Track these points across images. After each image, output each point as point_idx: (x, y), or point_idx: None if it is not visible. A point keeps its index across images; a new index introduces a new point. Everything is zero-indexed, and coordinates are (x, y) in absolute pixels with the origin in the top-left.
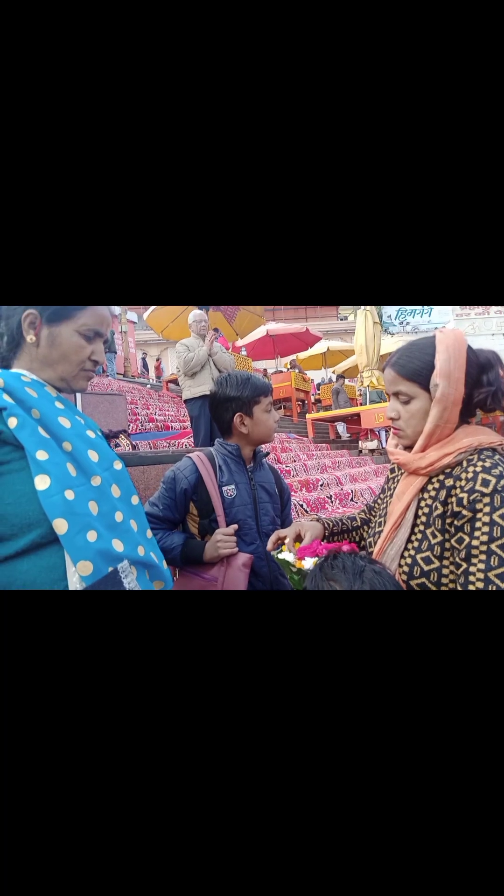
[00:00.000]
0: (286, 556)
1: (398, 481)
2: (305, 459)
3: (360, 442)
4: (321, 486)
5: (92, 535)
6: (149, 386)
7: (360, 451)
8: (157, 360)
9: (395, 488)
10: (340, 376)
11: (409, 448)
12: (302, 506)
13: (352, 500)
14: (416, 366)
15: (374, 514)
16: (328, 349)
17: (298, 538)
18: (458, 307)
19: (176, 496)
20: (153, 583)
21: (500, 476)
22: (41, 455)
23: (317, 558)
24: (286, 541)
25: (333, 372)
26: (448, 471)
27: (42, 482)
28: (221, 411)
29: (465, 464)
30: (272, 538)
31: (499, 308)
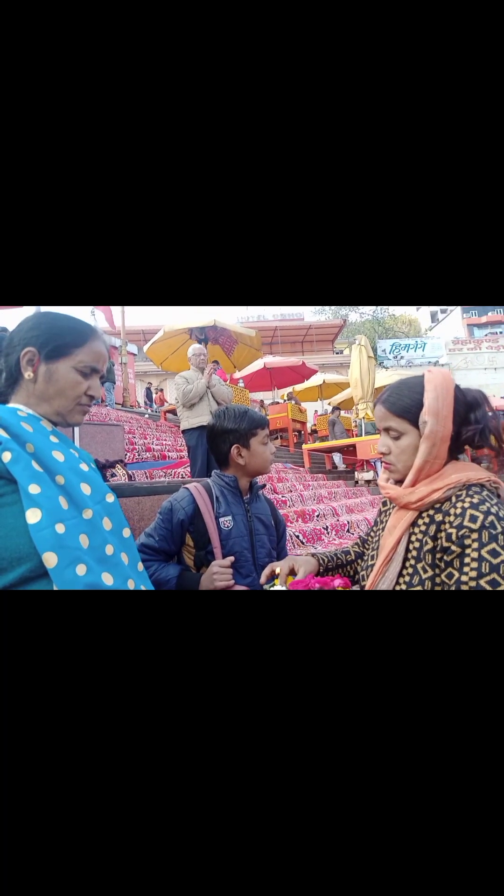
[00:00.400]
0: (278, 589)
1: (390, 514)
2: (301, 490)
3: (356, 472)
4: (317, 516)
5: (81, 569)
6: (147, 416)
7: (357, 482)
8: (160, 390)
9: (386, 521)
10: (336, 408)
11: (399, 482)
12: (298, 537)
13: (348, 531)
14: (405, 403)
15: (367, 546)
16: (324, 382)
17: (292, 572)
18: (450, 343)
19: (173, 527)
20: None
21: (488, 512)
22: (33, 489)
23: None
24: (278, 573)
25: (329, 403)
26: (438, 506)
27: (33, 515)
28: (219, 443)
29: (453, 499)
30: (266, 571)
31: (490, 343)
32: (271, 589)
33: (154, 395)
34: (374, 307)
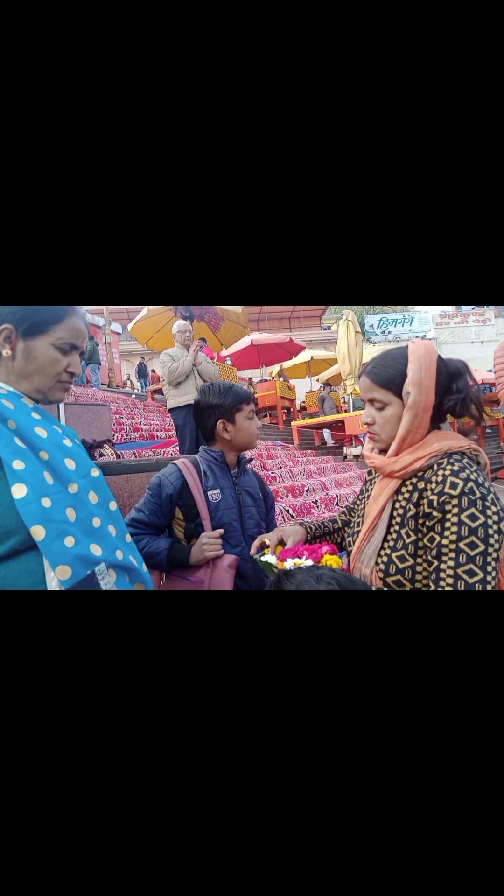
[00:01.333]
0: (268, 558)
1: (374, 483)
2: (291, 466)
3: (344, 448)
4: (307, 491)
5: (69, 541)
6: (134, 396)
7: (345, 457)
8: (153, 370)
9: (371, 490)
10: (326, 384)
11: (383, 452)
12: (288, 511)
13: (337, 504)
14: (389, 374)
15: (353, 515)
16: (312, 358)
17: (281, 542)
18: (437, 317)
19: (161, 501)
20: (133, 585)
21: (468, 479)
22: (17, 465)
23: (297, 559)
24: (268, 544)
25: (318, 380)
26: (420, 474)
27: (19, 491)
28: (205, 418)
29: (435, 467)
30: (256, 543)
31: (476, 317)
32: (262, 559)
33: (149, 373)
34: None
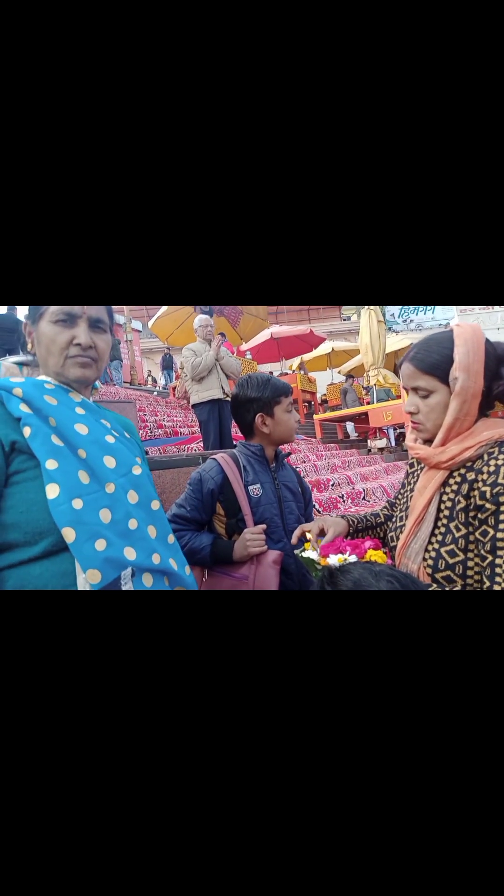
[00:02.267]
0: (310, 554)
1: (418, 476)
2: (315, 460)
3: (368, 441)
4: (332, 485)
5: (101, 544)
6: (156, 393)
7: (370, 450)
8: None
9: (415, 483)
10: (350, 375)
11: (428, 442)
12: (314, 506)
13: (364, 498)
14: (434, 359)
15: (395, 509)
16: (333, 350)
17: (322, 533)
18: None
19: (203, 497)
20: (173, 589)
21: None
22: (51, 464)
23: (340, 555)
24: (309, 536)
25: (339, 372)
26: (469, 464)
27: (52, 491)
28: (243, 412)
29: (486, 457)
30: (296, 532)
31: None
32: (303, 555)
33: (174, 365)
34: None
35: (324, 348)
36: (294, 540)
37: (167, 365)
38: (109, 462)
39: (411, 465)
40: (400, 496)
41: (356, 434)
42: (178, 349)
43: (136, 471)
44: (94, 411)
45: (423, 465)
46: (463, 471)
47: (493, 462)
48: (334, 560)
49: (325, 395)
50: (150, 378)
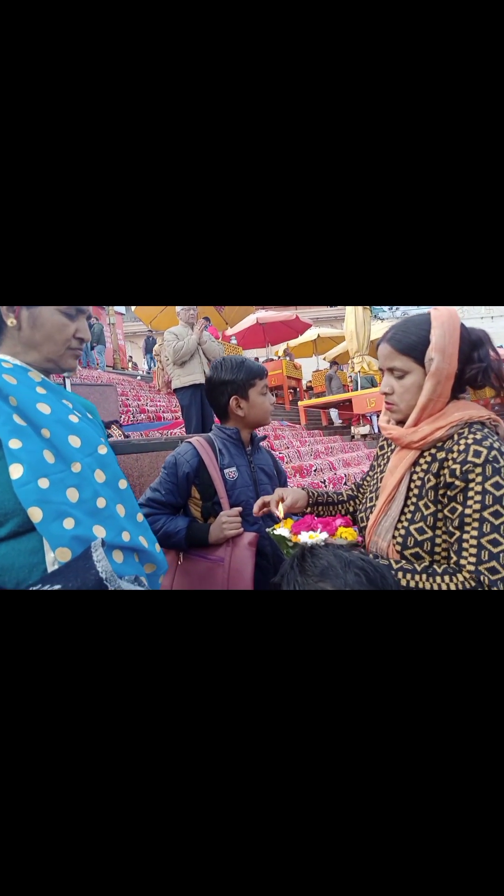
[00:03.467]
0: (282, 531)
1: (388, 458)
2: (299, 446)
3: (352, 427)
4: (315, 471)
5: (69, 523)
6: (139, 377)
7: (353, 437)
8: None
9: (385, 464)
10: (334, 362)
11: (401, 423)
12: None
13: (345, 483)
14: (411, 340)
15: (362, 490)
16: (318, 336)
17: (282, 500)
18: None
19: (178, 480)
20: (144, 566)
21: (491, 447)
22: (14, 444)
23: (311, 532)
24: (271, 506)
25: (325, 359)
26: (440, 444)
27: (16, 471)
28: (217, 395)
29: (456, 437)
30: (257, 504)
31: None
32: (274, 533)
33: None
34: None
35: (310, 335)
36: (256, 511)
37: (150, 348)
38: (74, 441)
39: (381, 448)
40: (369, 478)
41: (340, 421)
42: (161, 332)
43: (102, 450)
44: (55, 391)
45: (392, 447)
46: (433, 451)
47: (462, 441)
48: (305, 537)
49: (310, 381)
50: (131, 362)
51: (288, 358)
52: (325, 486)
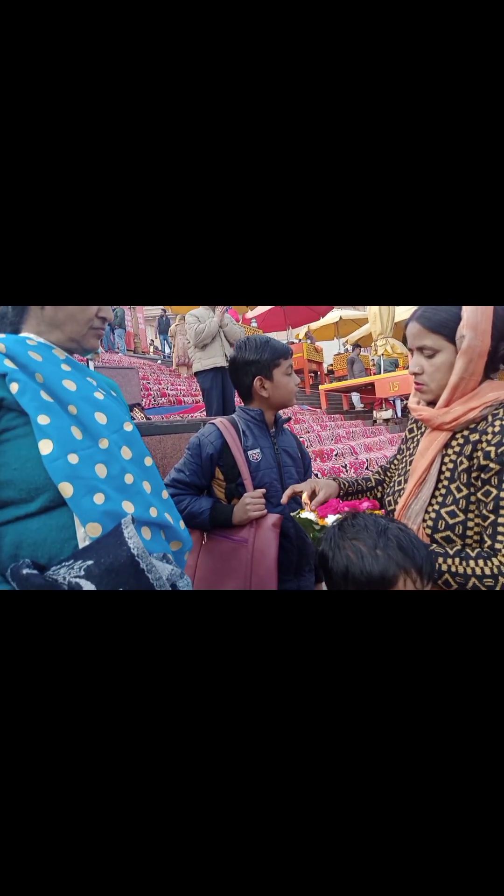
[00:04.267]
0: (308, 514)
1: (418, 441)
2: (319, 430)
3: (374, 412)
4: (335, 455)
5: (99, 498)
6: (159, 361)
7: (375, 421)
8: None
9: (415, 447)
10: (357, 345)
11: (431, 404)
12: (317, 475)
13: (367, 468)
14: (442, 317)
15: (389, 474)
16: (340, 318)
17: (314, 495)
18: None
19: (202, 462)
20: (170, 543)
21: None
22: (43, 419)
23: (339, 515)
24: (303, 497)
25: (346, 341)
26: (472, 426)
27: (45, 447)
28: (241, 375)
29: (490, 418)
30: (287, 492)
31: None
32: (300, 516)
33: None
34: None
35: (331, 317)
36: (284, 499)
37: (164, 329)
38: (101, 418)
39: (410, 431)
40: (397, 461)
41: (362, 405)
42: (174, 315)
43: (128, 427)
44: (80, 368)
45: (423, 429)
46: (466, 432)
47: (497, 423)
48: (332, 520)
49: (331, 365)
50: (152, 346)
51: (309, 341)
52: (346, 471)
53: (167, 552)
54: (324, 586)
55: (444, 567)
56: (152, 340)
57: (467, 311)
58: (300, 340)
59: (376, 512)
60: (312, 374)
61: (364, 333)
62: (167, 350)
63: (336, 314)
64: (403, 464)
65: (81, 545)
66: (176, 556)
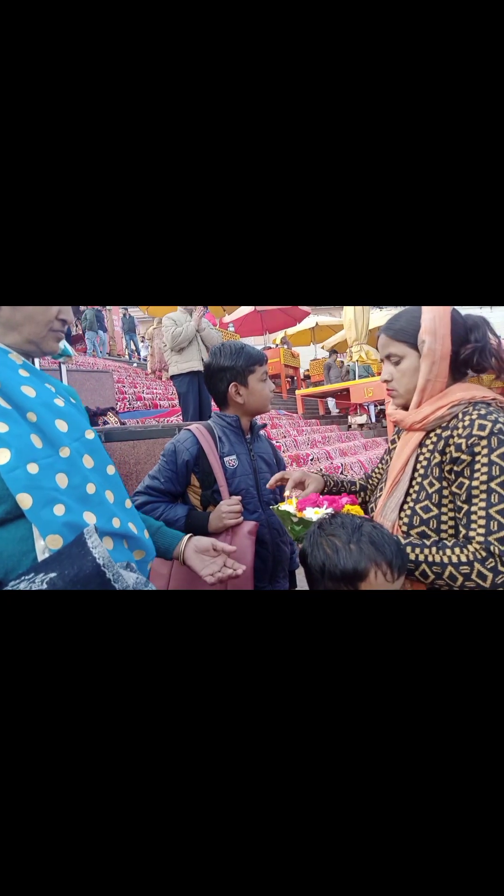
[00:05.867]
0: (287, 507)
1: (396, 442)
2: (295, 435)
3: (349, 417)
4: (311, 460)
5: (59, 509)
6: (136, 364)
7: (350, 426)
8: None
9: (393, 451)
10: (333, 351)
11: (405, 409)
12: None
13: (342, 473)
14: (402, 325)
15: (372, 481)
16: (317, 324)
17: (301, 486)
18: None
19: (177, 468)
20: (133, 552)
21: (496, 421)
22: (0, 427)
23: (317, 508)
24: (288, 484)
25: (322, 347)
26: (444, 424)
27: (3, 456)
28: (216, 382)
29: (460, 415)
30: (275, 477)
31: None
32: (279, 509)
33: (136, 326)
34: None
35: (308, 323)
36: (272, 484)
37: (129, 328)
38: (62, 426)
39: (392, 441)
40: (377, 470)
41: (337, 410)
42: (152, 320)
43: (89, 435)
44: (37, 374)
45: (400, 436)
46: (438, 430)
47: (467, 418)
48: (311, 513)
49: (307, 370)
50: (128, 349)
51: (285, 346)
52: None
53: (130, 561)
54: None
55: (422, 557)
56: (127, 344)
57: (425, 319)
58: (277, 346)
59: (354, 507)
60: (289, 379)
61: (340, 340)
62: (143, 353)
63: (312, 320)
64: (385, 468)
65: (41, 558)
66: (140, 565)
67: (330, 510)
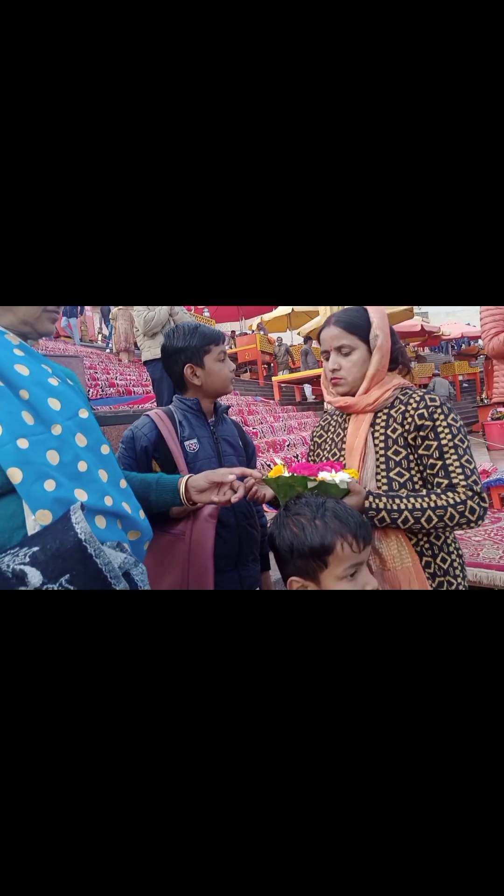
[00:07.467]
0: (287, 475)
1: (336, 429)
2: (272, 421)
3: (325, 403)
4: (288, 446)
5: (50, 485)
6: (108, 350)
7: (326, 412)
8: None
9: (339, 436)
10: (308, 337)
11: (347, 395)
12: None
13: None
14: (356, 321)
15: (319, 458)
16: (293, 310)
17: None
18: None
19: (137, 455)
20: (127, 533)
21: (433, 398)
22: None
23: (332, 472)
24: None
25: (299, 333)
26: (388, 405)
27: None
28: (172, 364)
29: (402, 397)
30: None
31: None
32: (279, 481)
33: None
34: None
35: (284, 309)
36: (241, 494)
37: (104, 313)
38: (54, 404)
39: (323, 429)
40: (319, 448)
41: (313, 396)
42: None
43: (83, 414)
44: (34, 355)
45: (340, 419)
46: (386, 410)
47: (413, 396)
48: (327, 475)
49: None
50: (100, 335)
51: (262, 332)
52: (298, 460)
53: (123, 541)
54: (270, 575)
55: (402, 505)
56: (100, 328)
57: (375, 317)
58: (253, 332)
59: (352, 470)
60: (266, 366)
61: (315, 326)
62: (109, 334)
63: (288, 306)
64: (333, 448)
65: (31, 533)
66: (134, 545)
67: (343, 473)
